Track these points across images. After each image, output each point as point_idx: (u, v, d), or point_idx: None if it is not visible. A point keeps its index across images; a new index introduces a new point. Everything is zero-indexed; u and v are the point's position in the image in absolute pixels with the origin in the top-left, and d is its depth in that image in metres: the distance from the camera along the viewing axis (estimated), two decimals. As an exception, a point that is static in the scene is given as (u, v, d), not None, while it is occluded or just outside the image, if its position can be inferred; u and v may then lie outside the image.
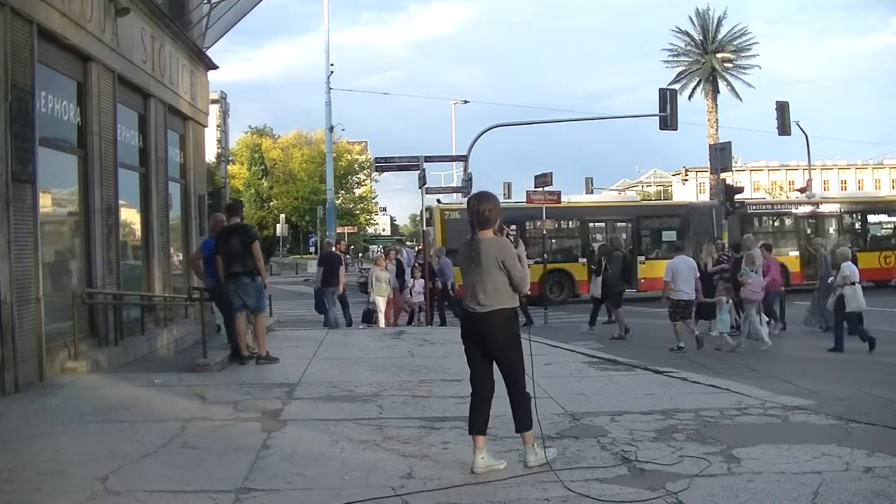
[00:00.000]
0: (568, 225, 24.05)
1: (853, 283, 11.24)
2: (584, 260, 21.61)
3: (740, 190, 21.87)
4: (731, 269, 13.46)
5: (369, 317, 15.40)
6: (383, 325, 14.84)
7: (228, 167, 58.47)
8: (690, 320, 12.06)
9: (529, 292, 19.40)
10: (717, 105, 46.25)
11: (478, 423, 4.90)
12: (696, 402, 6.89)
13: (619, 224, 23.89)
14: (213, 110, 47.16)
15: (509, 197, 38.05)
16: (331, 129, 31.51)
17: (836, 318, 11.60)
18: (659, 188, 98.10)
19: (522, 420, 4.91)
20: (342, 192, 55.81)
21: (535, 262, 21.83)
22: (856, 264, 11.93)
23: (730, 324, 12.03)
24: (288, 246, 57.10)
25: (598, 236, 23.12)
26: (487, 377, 4.95)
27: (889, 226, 26.32)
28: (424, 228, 20.05)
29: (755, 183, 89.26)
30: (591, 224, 23.80)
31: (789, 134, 27.69)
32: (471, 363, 4.99)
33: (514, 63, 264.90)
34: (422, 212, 20.70)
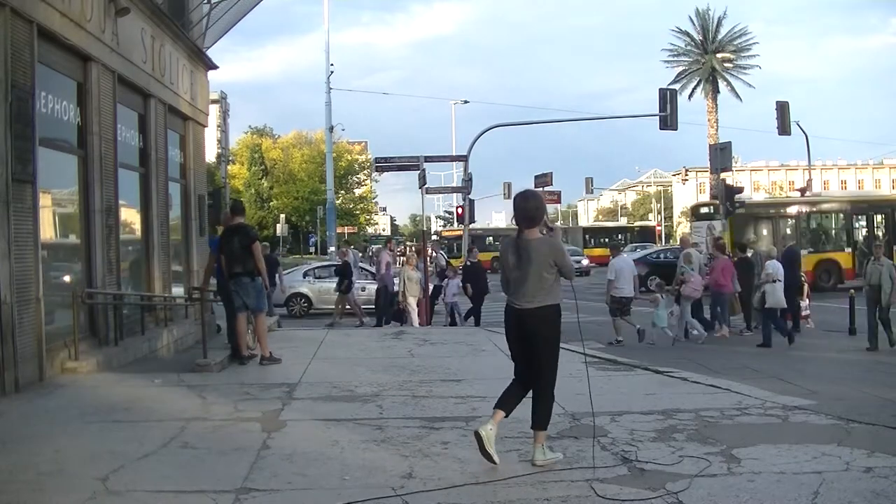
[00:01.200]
0: (834, 217, 25.69)
1: (774, 281, 12.03)
2: (850, 250, 23.86)
3: (740, 190, 21.88)
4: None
5: (399, 317, 15.23)
6: (417, 326, 14.69)
7: (228, 167, 58.47)
8: (629, 316, 12.76)
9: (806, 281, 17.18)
10: (717, 105, 46.29)
11: (505, 401, 4.98)
12: (696, 402, 6.88)
13: (877, 216, 25.28)
14: (213, 110, 47.08)
15: (508, 197, 38.09)
16: (331, 129, 31.54)
17: (764, 315, 12.34)
18: (659, 188, 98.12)
19: (541, 418, 4.94)
20: (342, 192, 55.89)
21: (809, 252, 23.05)
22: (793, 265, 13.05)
23: (667, 320, 12.95)
24: (288, 246, 57.09)
25: (860, 226, 25.11)
26: (526, 373, 5.05)
27: None
28: (710, 224, 22.25)
29: (755, 183, 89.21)
30: (853, 216, 25.26)
31: (789, 134, 27.71)
32: (514, 359, 5.12)
33: (514, 63, 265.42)
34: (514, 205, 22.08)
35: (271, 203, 57.36)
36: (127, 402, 6.83)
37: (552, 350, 5.00)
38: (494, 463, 4.78)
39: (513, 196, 5.20)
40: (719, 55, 45.47)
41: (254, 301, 9.09)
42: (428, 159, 26.15)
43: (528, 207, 4.92)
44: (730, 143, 20.23)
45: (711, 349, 11.85)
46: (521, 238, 4.95)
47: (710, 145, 36.52)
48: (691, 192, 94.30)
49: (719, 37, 47.27)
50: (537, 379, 4.98)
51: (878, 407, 6.77)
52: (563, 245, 5.06)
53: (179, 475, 4.74)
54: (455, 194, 25.87)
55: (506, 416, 4.96)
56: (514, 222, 5.15)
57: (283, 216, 49.61)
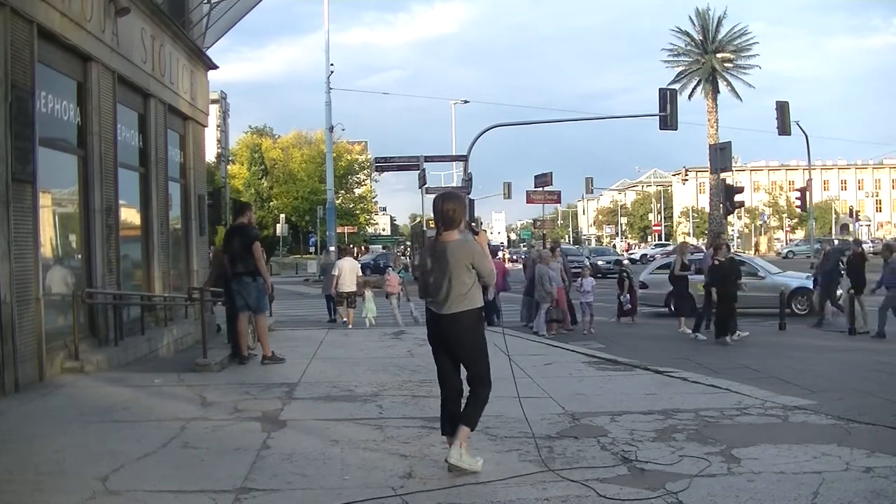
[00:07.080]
0: None
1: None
2: None
3: (740, 190, 21.82)
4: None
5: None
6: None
7: (228, 167, 58.46)
8: (354, 308, 15.24)
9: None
10: (717, 105, 46.35)
11: (444, 422, 4.88)
12: (696, 402, 6.89)
13: None
14: (213, 110, 47.14)
15: (509, 196, 38.04)
16: (331, 129, 31.52)
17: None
18: (659, 188, 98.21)
19: (470, 416, 4.80)
20: (342, 192, 55.87)
21: None
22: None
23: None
24: (288, 246, 57.08)
25: None
26: (452, 376, 4.94)
27: None
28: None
29: (755, 183, 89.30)
30: None
31: (789, 134, 27.69)
32: (437, 363, 5.00)
33: (515, 63, 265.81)
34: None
35: (271, 203, 57.33)
36: (127, 402, 6.83)
37: (479, 351, 4.85)
38: (478, 470, 4.73)
39: (433, 197, 5.05)
40: (719, 55, 45.51)
41: (254, 301, 9.09)
42: (428, 159, 26.23)
43: (447, 209, 4.81)
44: (730, 143, 20.26)
45: (711, 349, 11.82)
46: (439, 240, 4.84)
47: (710, 145, 36.62)
48: (691, 192, 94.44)
49: (719, 37, 47.33)
50: (471, 376, 4.85)
51: (878, 407, 6.77)
52: (482, 248, 4.89)
53: (179, 475, 4.74)
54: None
55: (452, 436, 4.81)
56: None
57: (283, 216, 49.59)
